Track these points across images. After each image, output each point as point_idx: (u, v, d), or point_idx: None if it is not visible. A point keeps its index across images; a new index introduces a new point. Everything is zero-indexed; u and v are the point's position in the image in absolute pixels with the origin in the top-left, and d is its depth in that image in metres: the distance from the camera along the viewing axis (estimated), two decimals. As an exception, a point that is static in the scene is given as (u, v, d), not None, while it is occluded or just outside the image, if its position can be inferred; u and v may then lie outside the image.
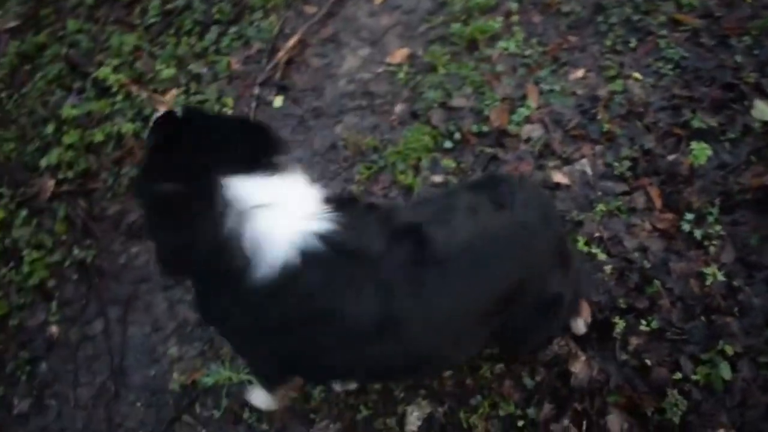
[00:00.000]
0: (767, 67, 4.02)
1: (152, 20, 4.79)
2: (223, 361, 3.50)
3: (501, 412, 3.20)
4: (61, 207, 4.09)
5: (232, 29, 4.65)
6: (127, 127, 4.24)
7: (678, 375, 3.15)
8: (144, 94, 4.39)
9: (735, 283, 3.35)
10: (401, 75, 4.28)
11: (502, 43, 4.28)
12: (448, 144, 3.96)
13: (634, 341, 3.28)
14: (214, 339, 3.60)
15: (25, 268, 3.90)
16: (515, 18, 4.40)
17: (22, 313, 3.84)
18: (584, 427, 3.14)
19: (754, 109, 3.84)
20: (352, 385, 3.25)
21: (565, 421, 3.15)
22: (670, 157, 3.75)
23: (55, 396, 3.60)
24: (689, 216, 3.54)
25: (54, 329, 3.79)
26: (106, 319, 3.77)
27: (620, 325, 3.29)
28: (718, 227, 3.48)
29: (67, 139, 4.22)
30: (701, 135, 3.78)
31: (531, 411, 3.18)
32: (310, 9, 4.71)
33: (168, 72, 4.43)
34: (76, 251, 3.94)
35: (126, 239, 4.01)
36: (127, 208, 4.09)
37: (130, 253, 3.96)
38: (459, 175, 3.86)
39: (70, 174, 4.16)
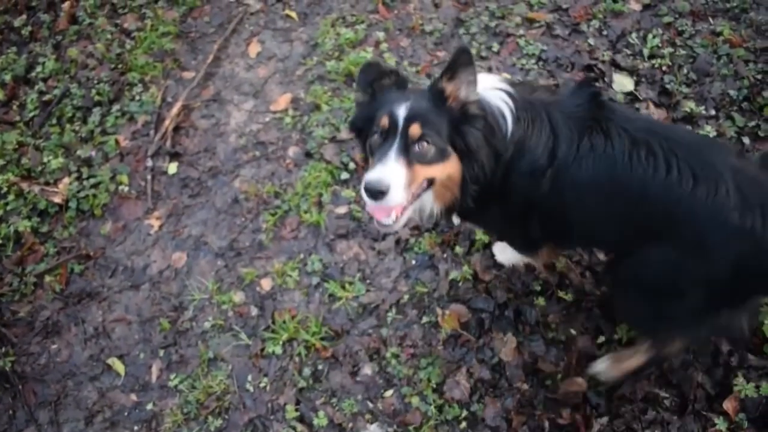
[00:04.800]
0: (618, 44, 4.37)
1: (32, 114, 4.72)
2: (164, 437, 3.45)
3: (448, 416, 3.27)
4: (-32, 321, 3.93)
5: (115, 108, 4.65)
6: (24, 225, 4.15)
7: (601, 338, 3.31)
8: (36, 189, 4.31)
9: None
10: (288, 119, 4.39)
11: (376, 71, 4.46)
12: (344, 175, 4.09)
13: (554, 318, 3.44)
14: (153, 417, 3.53)
15: (-59, 392, 3.71)
16: (384, 45, 4.61)
17: (-54, 440, 3.64)
18: (527, 412, 3.24)
19: (614, 83, 4.15)
20: None
21: (511, 412, 3.24)
22: (551, 142, 3.98)
23: None
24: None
25: (-16, 449, 3.62)
26: (37, 424, 3.62)
27: (540, 303, 3.45)
28: (606, 196, 3.72)
29: (-38, 251, 4.09)
30: (573, 116, 4.04)
31: (475, 407, 3.27)
32: (188, 74, 4.77)
33: (56, 162, 4.38)
34: (-8, 362, 3.79)
35: (43, 338, 3.90)
36: (39, 305, 3.98)
37: (50, 351, 3.84)
38: (362, 203, 3.97)
39: (-28, 285, 4.02)
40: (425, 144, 2.46)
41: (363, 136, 2.71)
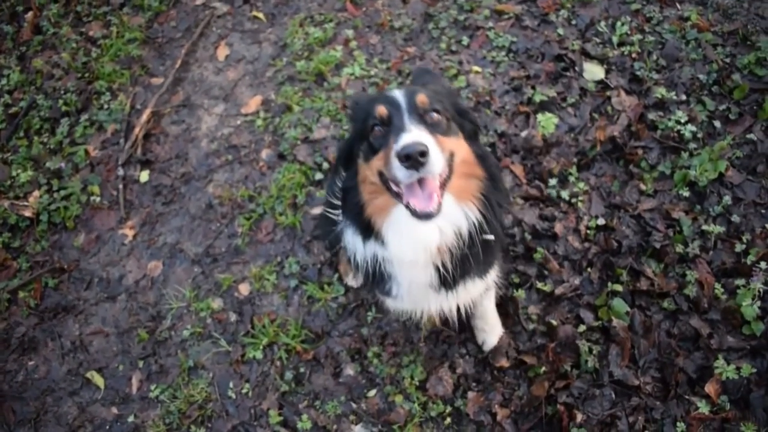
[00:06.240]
0: (587, 33, 4.37)
1: (-3, 128, 4.66)
2: (147, 450, 3.40)
3: (432, 413, 3.25)
4: (-59, 341, 3.84)
5: (83, 117, 4.58)
6: (-5, 241, 4.09)
7: (582, 327, 3.31)
8: (5, 204, 4.23)
9: (609, 225, 3.59)
10: (259, 122, 4.34)
11: (347, 70, 4.43)
12: (318, 175, 4.05)
13: (534, 310, 3.43)
14: (135, 430, 3.48)
15: None
16: (354, 44, 4.58)
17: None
18: (511, 405, 3.23)
19: (585, 72, 4.15)
20: None
21: (495, 406, 3.23)
22: (523, 134, 3.97)
23: None
24: (553, 182, 3.76)
25: (-36, 472, 3.55)
26: (17, 443, 3.57)
27: (521, 295, 3.44)
28: (581, 184, 3.72)
29: (-67, 270, 4.01)
30: (545, 106, 4.05)
31: (459, 402, 3.25)
32: (156, 80, 4.71)
33: (26, 175, 4.30)
34: (-32, 382, 3.71)
35: (20, 355, 3.83)
36: (14, 322, 3.90)
37: (27, 368, 3.77)
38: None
39: (-56, 304, 3.94)
40: (436, 115, 2.19)
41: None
